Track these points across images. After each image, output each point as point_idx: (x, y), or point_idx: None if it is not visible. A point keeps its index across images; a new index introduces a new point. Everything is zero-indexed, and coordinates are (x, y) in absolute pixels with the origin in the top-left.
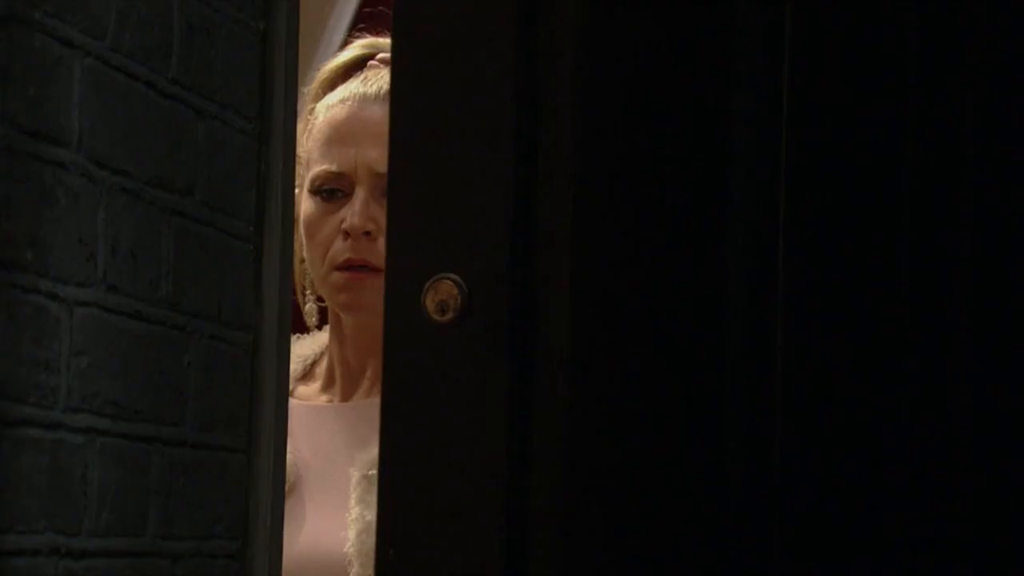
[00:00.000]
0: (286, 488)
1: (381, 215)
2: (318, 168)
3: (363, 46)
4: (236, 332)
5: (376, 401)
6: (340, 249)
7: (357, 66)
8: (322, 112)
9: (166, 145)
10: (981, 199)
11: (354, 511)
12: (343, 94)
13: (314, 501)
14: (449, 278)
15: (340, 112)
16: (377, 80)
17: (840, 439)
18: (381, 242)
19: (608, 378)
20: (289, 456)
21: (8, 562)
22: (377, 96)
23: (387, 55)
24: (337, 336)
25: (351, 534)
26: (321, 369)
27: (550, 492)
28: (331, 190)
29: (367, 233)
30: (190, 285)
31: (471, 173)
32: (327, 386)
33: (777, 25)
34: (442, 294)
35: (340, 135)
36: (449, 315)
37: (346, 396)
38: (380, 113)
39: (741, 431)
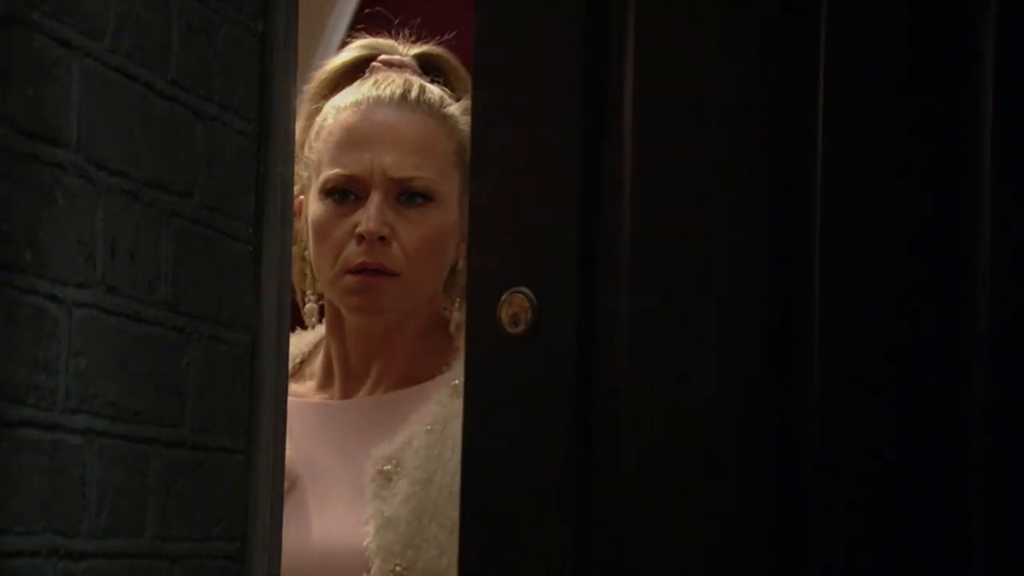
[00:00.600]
0: (285, 486)
1: (395, 219)
2: (331, 171)
3: (363, 47)
4: (235, 333)
5: (384, 398)
6: (354, 253)
7: (358, 67)
8: (332, 115)
9: (165, 146)
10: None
11: (371, 506)
12: (355, 97)
13: (322, 498)
14: (521, 292)
15: (353, 116)
16: (389, 84)
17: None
18: (395, 247)
19: (666, 389)
20: (288, 454)
21: (7, 563)
22: (392, 99)
23: (389, 57)
24: (337, 335)
25: (370, 529)
26: (313, 368)
27: (611, 499)
28: (344, 193)
29: (382, 238)
30: (189, 286)
31: (541, 191)
32: (324, 384)
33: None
34: (515, 307)
35: (354, 139)
36: (521, 327)
37: (346, 394)
38: (394, 117)
39: (796, 436)
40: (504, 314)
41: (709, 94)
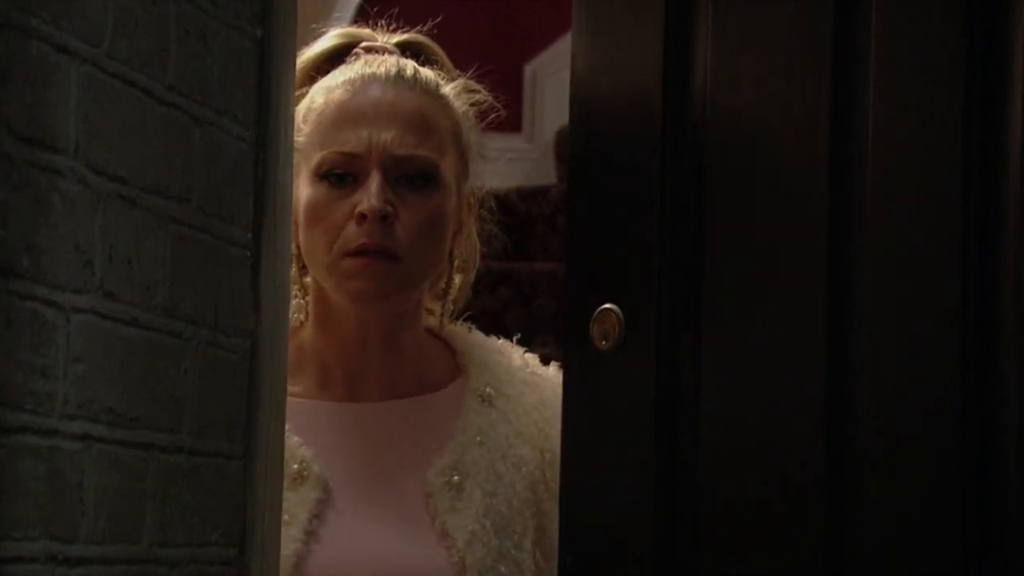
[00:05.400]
0: (312, 502)
1: (396, 200)
2: (327, 151)
3: (342, 35)
4: (233, 338)
5: (407, 404)
6: (354, 234)
7: (338, 55)
8: (321, 95)
9: (163, 151)
10: None
11: (447, 520)
12: (347, 75)
13: (376, 511)
14: (611, 309)
15: (347, 93)
16: (382, 63)
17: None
18: (397, 228)
19: (744, 410)
20: (316, 465)
21: (4, 569)
22: (387, 77)
23: (371, 44)
24: (332, 333)
25: (459, 544)
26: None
27: (693, 510)
28: (341, 174)
29: (384, 217)
30: (187, 292)
31: (628, 213)
32: (323, 384)
33: None
34: (605, 324)
35: (350, 116)
36: (609, 343)
37: (354, 397)
38: (392, 94)
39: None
40: (595, 330)
41: (776, 109)
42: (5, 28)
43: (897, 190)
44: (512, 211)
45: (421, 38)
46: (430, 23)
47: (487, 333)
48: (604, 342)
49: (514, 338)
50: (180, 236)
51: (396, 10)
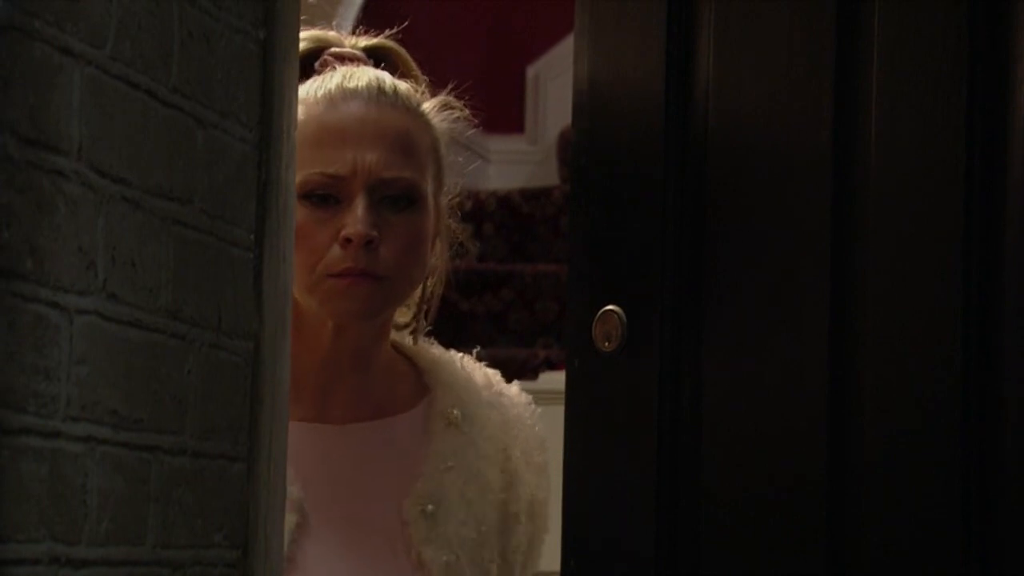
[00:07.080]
0: (292, 526)
1: (380, 223)
2: (309, 171)
3: (309, 39)
4: (236, 340)
5: (376, 426)
6: (338, 257)
7: (306, 60)
8: (300, 109)
9: (166, 153)
10: None
11: (425, 552)
12: (325, 88)
13: (353, 539)
14: (614, 311)
15: (327, 110)
16: (361, 77)
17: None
18: (382, 250)
19: (740, 402)
20: (293, 489)
21: (7, 571)
22: (369, 93)
23: (340, 50)
24: (300, 346)
25: (434, 574)
26: None
27: (695, 513)
28: (324, 196)
29: (369, 241)
30: (190, 294)
31: (631, 215)
32: (292, 402)
33: None
34: (608, 325)
35: (333, 136)
36: (612, 345)
37: (323, 417)
38: (375, 112)
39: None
40: (598, 332)
41: (778, 111)
42: (8, 30)
43: (899, 192)
44: (515, 213)
45: (389, 43)
46: (426, 24)
47: (490, 334)
48: (607, 344)
49: (474, 351)
50: (183, 238)
51: (399, 12)
